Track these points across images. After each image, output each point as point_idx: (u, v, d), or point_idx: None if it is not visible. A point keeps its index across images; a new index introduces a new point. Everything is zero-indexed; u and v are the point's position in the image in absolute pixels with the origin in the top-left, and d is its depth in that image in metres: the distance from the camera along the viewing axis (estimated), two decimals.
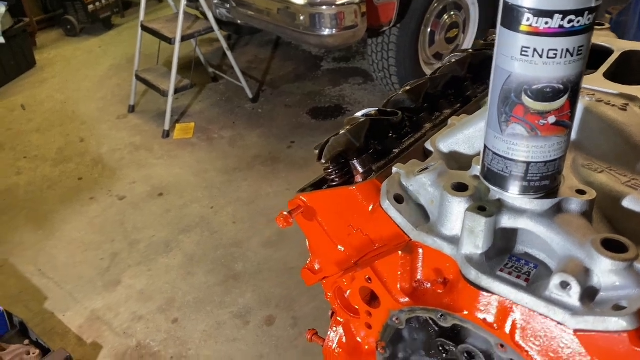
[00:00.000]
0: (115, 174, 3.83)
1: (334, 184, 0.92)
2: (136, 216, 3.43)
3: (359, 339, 0.99)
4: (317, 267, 0.98)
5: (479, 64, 1.09)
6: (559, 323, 0.66)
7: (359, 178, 0.87)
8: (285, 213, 0.90)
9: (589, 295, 0.65)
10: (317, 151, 0.90)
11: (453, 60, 1.09)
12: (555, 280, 0.66)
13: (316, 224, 0.94)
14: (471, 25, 4.30)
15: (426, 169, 0.80)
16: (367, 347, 0.98)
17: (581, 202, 0.70)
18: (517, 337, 0.72)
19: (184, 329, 2.68)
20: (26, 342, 2.40)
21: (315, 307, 2.75)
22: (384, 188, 0.83)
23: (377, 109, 0.96)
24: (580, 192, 0.71)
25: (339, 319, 1.01)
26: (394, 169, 0.84)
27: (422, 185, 0.79)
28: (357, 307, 0.96)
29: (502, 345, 0.73)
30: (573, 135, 0.80)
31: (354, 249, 0.89)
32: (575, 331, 0.65)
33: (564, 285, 0.65)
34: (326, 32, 3.44)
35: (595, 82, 0.87)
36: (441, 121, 0.99)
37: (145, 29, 4.30)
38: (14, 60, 5.10)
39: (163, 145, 4.15)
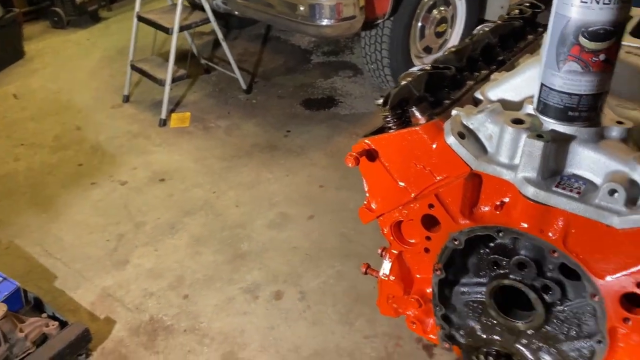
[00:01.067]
0: (116, 160, 3.89)
1: (392, 130, 1.05)
2: (139, 200, 3.50)
3: (411, 269, 1.12)
4: (374, 206, 1.10)
5: (507, 33, 1.24)
6: (607, 226, 0.81)
7: (421, 121, 1.00)
8: (352, 154, 1.02)
9: (632, 201, 0.80)
10: (380, 101, 1.03)
11: (486, 29, 1.23)
12: (605, 189, 0.80)
13: (379, 164, 1.06)
14: (458, 20, 4.49)
15: (483, 110, 0.94)
16: (418, 275, 1.11)
17: (620, 130, 0.85)
18: (568, 243, 0.86)
19: (195, 304, 2.77)
20: (44, 315, 2.47)
21: (321, 282, 2.87)
22: (448, 126, 0.96)
23: (430, 64, 1.10)
24: (620, 122, 0.86)
25: (393, 251, 1.14)
26: (454, 112, 0.98)
27: (482, 122, 0.93)
28: (411, 240, 1.09)
29: (554, 251, 0.87)
30: None
31: (415, 184, 1.02)
32: (622, 231, 0.79)
33: (612, 193, 0.79)
34: (325, 22, 3.57)
35: (623, 39, 1.02)
36: (482, 79, 1.13)
37: (141, 19, 4.37)
38: (4, 51, 5.09)
39: (160, 134, 4.22)
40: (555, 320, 0.95)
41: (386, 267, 1.15)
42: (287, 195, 3.52)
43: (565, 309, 0.93)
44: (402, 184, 1.03)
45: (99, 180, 3.69)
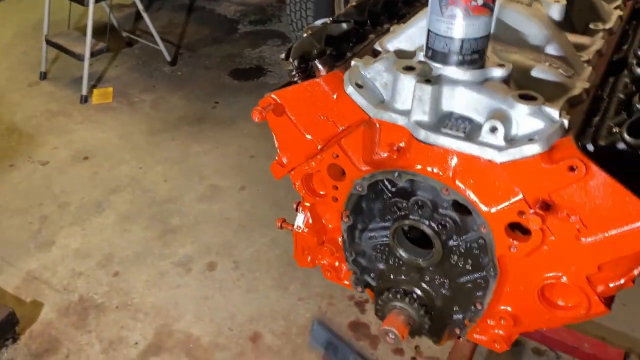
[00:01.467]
0: (34, 141, 3.72)
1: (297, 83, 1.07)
2: (62, 180, 3.38)
3: (323, 220, 1.16)
4: (285, 161, 1.13)
5: None
6: (489, 160, 0.87)
7: (322, 73, 1.03)
8: (258, 108, 1.04)
9: (511, 137, 0.86)
10: (283, 55, 1.04)
11: None
12: (486, 126, 0.86)
13: (285, 118, 1.08)
14: None
15: (379, 60, 0.97)
16: (330, 225, 1.15)
17: (502, 71, 0.90)
18: (458, 180, 0.92)
19: (126, 281, 2.73)
20: None
21: (254, 250, 2.90)
22: (347, 76, 0.99)
23: (331, 19, 1.12)
24: (501, 65, 0.91)
25: (306, 204, 1.17)
26: (353, 62, 1.01)
27: (378, 71, 0.96)
28: (321, 192, 1.13)
29: (446, 189, 0.93)
30: (492, 29, 1.01)
31: (321, 135, 1.05)
32: (502, 165, 0.86)
33: (493, 130, 0.85)
34: None
35: None
36: (383, 32, 1.17)
37: None
38: None
39: (82, 111, 4.06)
40: (452, 256, 1.02)
41: (299, 219, 1.18)
42: (218, 168, 3.49)
43: (460, 243, 1.00)
44: (309, 136, 1.06)
45: (17, 162, 3.52)
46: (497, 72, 0.90)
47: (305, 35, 1.06)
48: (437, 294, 1.08)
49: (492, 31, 1.00)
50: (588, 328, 2.46)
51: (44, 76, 4.38)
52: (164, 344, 2.43)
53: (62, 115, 4.00)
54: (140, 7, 4.21)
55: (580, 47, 1.08)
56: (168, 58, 4.50)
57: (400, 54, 1.02)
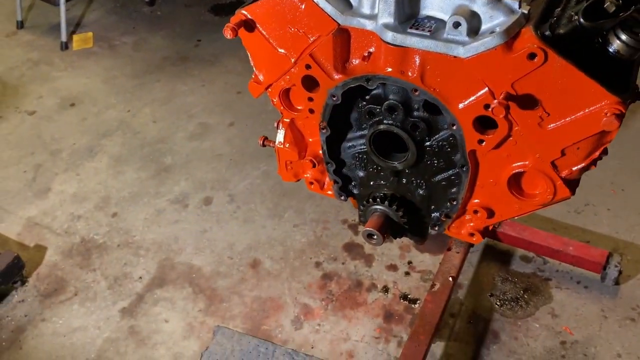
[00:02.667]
0: (19, 91, 3.69)
1: None
2: (52, 128, 3.39)
3: (303, 134, 1.19)
4: (261, 78, 1.15)
5: None
6: (454, 56, 0.89)
7: None
8: (229, 25, 1.05)
9: (474, 31, 0.88)
10: None
11: None
12: (450, 23, 0.88)
13: (257, 33, 1.09)
14: None
15: None
16: (310, 139, 1.19)
17: None
18: (426, 80, 0.95)
19: (124, 220, 2.80)
20: None
21: (248, 183, 2.95)
22: None
23: None
24: None
25: (285, 120, 1.20)
26: None
27: None
28: (299, 107, 1.15)
29: (415, 90, 0.96)
30: None
31: (293, 48, 1.06)
32: (467, 59, 0.88)
33: (456, 25, 0.87)
34: None
35: None
36: None
37: None
38: None
39: (64, 58, 4.01)
40: (426, 156, 1.06)
41: (280, 135, 1.22)
42: (205, 106, 3.49)
43: (433, 143, 1.04)
44: (282, 50, 1.07)
45: (4, 113, 3.51)
46: None
47: None
48: (415, 195, 1.13)
49: None
50: (574, 233, 2.57)
51: (21, 25, 4.28)
52: (167, 276, 2.53)
53: (44, 64, 3.95)
54: None
55: None
56: None
57: None
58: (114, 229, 2.76)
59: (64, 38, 3.99)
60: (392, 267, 2.50)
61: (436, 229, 1.15)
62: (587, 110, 0.85)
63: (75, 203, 2.90)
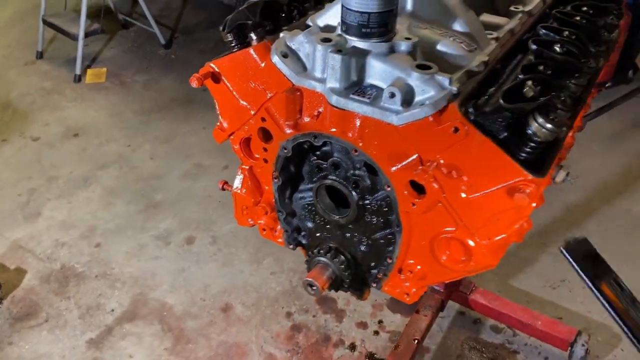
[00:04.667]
0: (28, 117, 3.83)
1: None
2: (52, 155, 3.49)
3: (261, 182, 1.25)
4: (225, 126, 1.22)
5: None
6: (389, 123, 0.96)
7: (254, 43, 1.12)
8: (196, 75, 1.13)
9: (408, 102, 0.95)
10: (222, 26, 1.13)
11: None
12: (386, 92, 0.95)
13: (223, 85, 1.17)
14: None
15: (303, 32, 1.06)
16: (266, 187, 1.24)
17: (407, 44, 0.99)
18: (364, 142, 1.01)
19: (107, 251, 2.84)
20: None
21: (233, 226, 2.99)
22: (274, 47, 1.08)
23: None
24: (407, 38, 1.00)
25: (243, 166, 1.27)
26: (281, 34, 1.10)
27: (301, 42, 1.05)
28: (256, 155, 1.22)
29: (355, 150, 1.02)
30: (409, 7, 1.10)
31: (253, 101, 1.14)
32: (400, 127, 0.95)
33: (391, 95, 0.94)
34: None
35: None
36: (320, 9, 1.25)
37: None
38: None
39: (75, 89, 4.17)
40: (367, 213, 1.11)
41: (237, 181, 1.28)
42: (203, 147, 3.59)
43: (373, 201, 1.09)
44: (243, 102, 1.15)
45: (9, 137, 3.64)
46: (403, 45, 0.99)
47: (240, 8, 1.15)
48: (357, 250, 1.17)
49: (411, 9, 1.10)
50: (547, 308, 2.56)
51: (40, 55, 4.49)
52: (139, 311, 2.55)
53: (56, 94, 4.11)
54: None
55: (495, 27, 1.17)
56: (162, 41, 4.59)
57: (326, 28, 1.10)
58: (95, 259, 2.80)
59: (78, 71, 4.17)
60: (363, 325, 2.50)
61: (374, 285, 1.19)
62: (502, 185, 0.91)
63: (62, 230, 2.95)
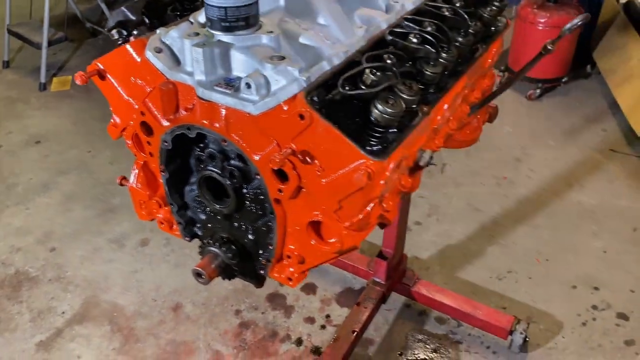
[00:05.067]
0: None
1: None
2: (13, 163, 3.52)
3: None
4: (118, 121, 1.26)
5: None
6: (248, 113, 1.00)
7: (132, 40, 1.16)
8: (81, 73, 1.17)
9: (263, 92, 0.99)
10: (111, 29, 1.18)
11: None
12: (242, 83, 0.99)
13: (109, 82, 1.21)
14: None
15: (174, 27, 1.10)
16: (161, 180, 1.28)
17: (269, 37, 1.04)
18: (231, 132, 1.05)
19: (61, 255, 2.87)
20: None
21: None
22: (148, 42, 1.12)
23: None
24: (270, 32, 1.04)
25: (139, 161, 1.31)
26: (157, 31, 1.14)
27: (174, 38, 1.10)
28: (147, 151, 1.26)
29: (224, 141, 1.06)
30: (282, 2, 1.15)
31: (136, 96, 1.18)
32: (257, 116, 0.99)
33: (248, 86, 0.98)
34: None
35: None
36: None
37: None
38: None
39: (40, 98, 4.20)
40: (247, 202, 1.15)
41: (132, 176, 1.32)
42: None
43: (250, 190, 1.13)
44: (128, 98, 1.19)
45: None
46: (265, 39, 1.03)
47: (122, 7, 1.19)
48: (245, 239, 1.21)
49: (283, 4, 1.14)
50: (492, 298, 2.60)
51: (7, 65, 4.52)
52: (89, 313, 2.57)
53: (21, 102, 4.14)
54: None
55: (368, 20, 1.21)
56: None
57: (202, 24, 1.14)
58: (49, 263, 2.82)
59: (42, 79, 4.20)
60: (310, 320, 2.53)
61: (262, 272, 1.22)
62: (347, 168, 0.95)
63: (19, 236, 2.98)
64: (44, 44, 4.15)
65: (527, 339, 2.28)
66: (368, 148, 0.93)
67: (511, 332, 2.28)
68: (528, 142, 3.65)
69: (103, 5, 4.41)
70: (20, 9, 4.67)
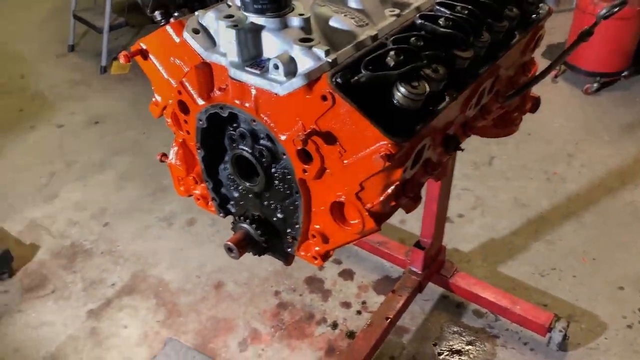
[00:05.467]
0: (55, 106, 4.08)
1: None
2: (73, 141, 3.72)
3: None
4: (159, 99, 1.32)
5: None
6: (275, 93, 1.03)
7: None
8: (124, 52, 1.24)
9: (292, 73, 1.01)
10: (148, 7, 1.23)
11: None
12: (271, 64, 1.02)
13: (150, 62, 1.27)
14: None
15: (212, 9, 1.14)
16: (197, 157, 1.33)
17: (299, 20, 1.06)
18: (260, 112, 1.08)
19: (113, 231, 3.02)
20: None
21: None
22: (187, 24, 1.17)
23: None
24: (300, 14, 1.07)
25: (177, 139, 1.37)
26: (197, 12, 1.18)
27: (211, 19, 1.13)
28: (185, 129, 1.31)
29: (253, 120, 1.10)
30: None
31: (174, 76, 1.23)
32: (284, 96, 1.02)
33: (275, 67, 1.01)
34: None
35: None
36: None
37: None
38: None
39: (101, 81, 4.40)
40: (275, 181, 1.18)
41: (172, 153, 1.38)
42: None
43: (278, 170, 1.16)
44: (168, 77, 1.24)
45: (37, 124, 3.89)
46: (295, 21, 1.06)
47: None
48: (274, 217, 1.25)
49: None
50: (533, 295, 2.55)
51: (72, 49, 4.75)
52: (137, 286, 2.70)
53: (83, 84, 4.35)
54: None
55: (402, 5, 1.21)
56: None
57: (238, 6, 1.17)
58: (102, 237, 2.98)
59: (103, 63, 4.40)
60: (346, 305, 2.56)
61: (289, 250, 1.26)
62: (368, 150, 0.96)
63: (76, 211, 3.15)
64: (106, 28, 4.33)
65: (567, 337, 2.23)
66: (389, 130, 0.94)
67: (550, 329, 2.23)
68: (582, 137, 3.52)
69: None
70: None
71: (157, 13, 1.22)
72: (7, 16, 5.34)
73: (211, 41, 1.14)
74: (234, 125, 1.18)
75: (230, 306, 2.59)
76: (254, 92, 1.06)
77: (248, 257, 2.84)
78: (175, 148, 1.35)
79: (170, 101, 1.26)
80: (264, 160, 1.14)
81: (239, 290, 2.66)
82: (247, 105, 1.09)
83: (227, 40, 1.06)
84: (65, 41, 4.83)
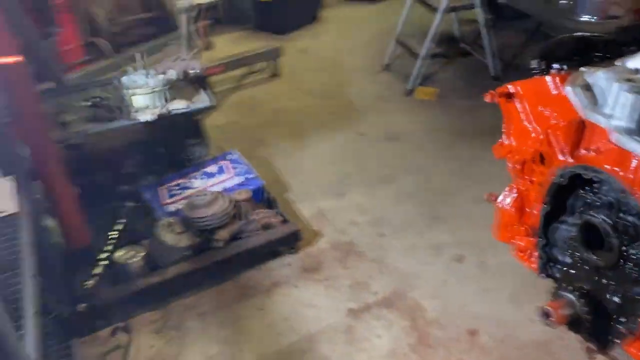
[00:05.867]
0: (360, 115, 4.50)
1: None
2: (369, 150, 4.04)
3: (527, 205, 1.31)
4: (506, 142, 1.33)
5: None
6: None
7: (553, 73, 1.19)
8: (491, 91, 1.27)
9: None
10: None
11: None
12: None
13: (513, 105, 1.28)
14: None
15: (603, 69, 1.09)
16: (528, 209, 1.30)
17: None
18: (637, 184, 0.99)
19: (387, 242, 3.19)
20: (273, 211, 3.17)
21: (504, 261, 2.95)
22: (570, 78, 1.14)
23: (587, 34, 1.25)
24: None
25: (517, 186, 1.35)
26: (581, 69, 1.14)
27: (599, 78, 1.08)
28: (532, 178, 1.28)
29: (623, 192, 1.01)
30: None
31: (538, 124, 1.22)
32: None
33: None
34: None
35: None
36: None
37: None
38: (303, 14, 6.16)
39: (405, 101, 4.69)
40: (628, 263, 1.07)
41: (507, 197, 1.36)
42: (502, 180, 3.62)
43: (634, 252, 1.04)
44: (527, 124, 1.24)
45: (343, 128, 4.34)
46: None
47: (553, 40, 1.23)
48: (608, 299, 1.13)
49: None
50: None
51: (387, 68, 5.18)
52: (396, 302, 2.81)
53: (388, 101, 4.70)
54: (481, 20, 4.57)
55: None
56: (492, 73, 4.77)
57: (635, 71, 1.10)
58: (375, 244, 3.18)
59: (409, 86, 4.68)
60: None
61: (615, 340, 1.13)
62: None
63: (358, 212, 3.43)
64: (421, 55, 4.59)
65: None
66: None
67: None
68: None
69: (483, 30, 4.62)
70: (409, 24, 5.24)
71: (535, 61, 1.23)
72: (344, 34, 6.08)
73: (593, 100, 1.09)
74: (593, 189, 1.11)
75: (479, 358, 2.50)
76: (634, 162, 0.98)
77: (510, 315, 2.70)
78: (514, 195, 1.34)
79: (524, 148, 1.26)
80: (624, 237, 1.05)
81: (491, 345, 2.55)
82: (621, 174, 1.02)
83: (619, 103, 1.00)
84: (382, 60, 5.27)
